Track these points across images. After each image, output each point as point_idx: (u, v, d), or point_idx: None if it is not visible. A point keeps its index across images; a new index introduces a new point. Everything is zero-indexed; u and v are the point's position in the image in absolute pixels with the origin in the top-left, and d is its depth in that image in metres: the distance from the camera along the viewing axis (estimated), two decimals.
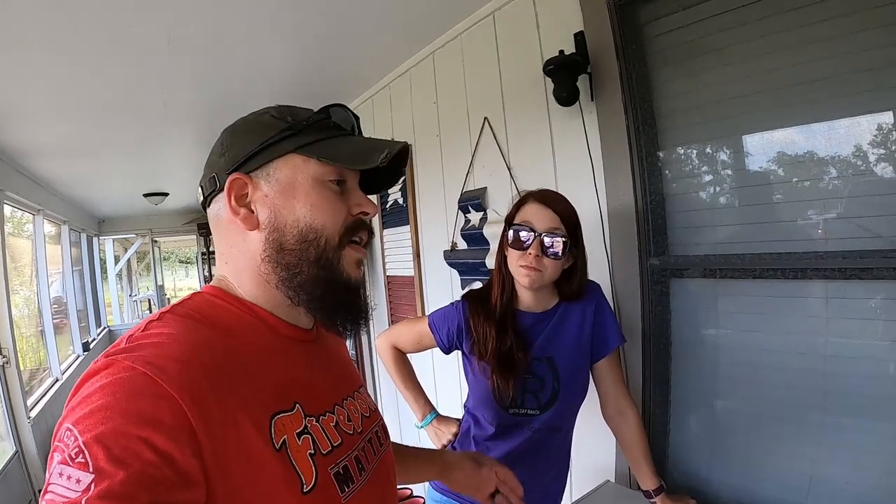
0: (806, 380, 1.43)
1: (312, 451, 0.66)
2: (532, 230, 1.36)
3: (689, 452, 1.71)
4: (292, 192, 0.72)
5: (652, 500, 1.47)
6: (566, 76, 1.68)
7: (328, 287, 0.73)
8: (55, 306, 5.28)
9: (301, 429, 0.66)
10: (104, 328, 8.15)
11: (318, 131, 0.75)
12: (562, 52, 1.73)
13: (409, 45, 2.63)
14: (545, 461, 1.48)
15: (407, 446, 1.14)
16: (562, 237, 1.36)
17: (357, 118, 0.80)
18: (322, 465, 0.67)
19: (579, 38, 1.77)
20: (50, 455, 0.53)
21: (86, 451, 0.50)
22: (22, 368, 3.99)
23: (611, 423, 1.54)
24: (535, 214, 1.38)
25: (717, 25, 1.52)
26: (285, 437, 0.63)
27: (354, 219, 0.76)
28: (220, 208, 0.74)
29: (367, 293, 0.79)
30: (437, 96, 2.62)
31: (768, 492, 1.50)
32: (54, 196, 5.44)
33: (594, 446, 1.79)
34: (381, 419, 0.90)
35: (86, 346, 6.17)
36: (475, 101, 2.35)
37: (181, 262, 22.67)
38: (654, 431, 1.72)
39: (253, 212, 0.72)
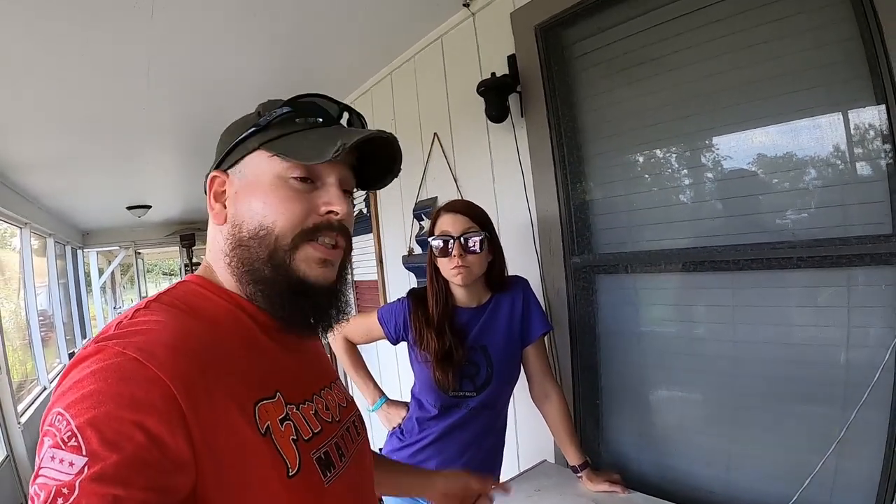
0: (718, 364, 1.60)
1: (295, 437, 0.67)
2: (450, 236, 1.56)
3: (619, 434, 1.88)
4: (254, 188, 0.72)
5: (578, 475, 1.62)
6: (495, 96, 1.88)
7: (280, 288, 0.71)
8: (41, 318, 5.36)
9: (283, 415, 0.67)
10: (90, 339, 8.18)
11: (288, 125, 0.74)
12: (493, 74, 1.92)
13: (369, 65, 2.82)
14: (479, 433, 1.64)
15: (399, 464, 1.30)
16: (476, 234, 1.55)
17: (344, 107, 0.79)
18: (304, 450, 0.67)
19: (511, 60, 1.96)
20: (40, 441, 0.52)
21: (79, 435, 0.49)
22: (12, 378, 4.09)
23: (538, 405, 1.70)
24: (449, 222, 1.57)
25: (629, 46, 1.71)
26: (269, 422, 0.64)
27: (320, 219, 0.73)
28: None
29: (342, 296, 0.83)
30: (395, 114, 2.81)
31: (691, 467, 1.66)
32: (40, 209, 5.49)
33: (537, 431, 1.96)
34: (358, 410, 0.92)
35: (72, 356, 6.16)
36: (427, 118, 2.54)
37: (165, 273, 22.51)
38: (585, 415, 1.89)
39: (225, 207, 0.74)
